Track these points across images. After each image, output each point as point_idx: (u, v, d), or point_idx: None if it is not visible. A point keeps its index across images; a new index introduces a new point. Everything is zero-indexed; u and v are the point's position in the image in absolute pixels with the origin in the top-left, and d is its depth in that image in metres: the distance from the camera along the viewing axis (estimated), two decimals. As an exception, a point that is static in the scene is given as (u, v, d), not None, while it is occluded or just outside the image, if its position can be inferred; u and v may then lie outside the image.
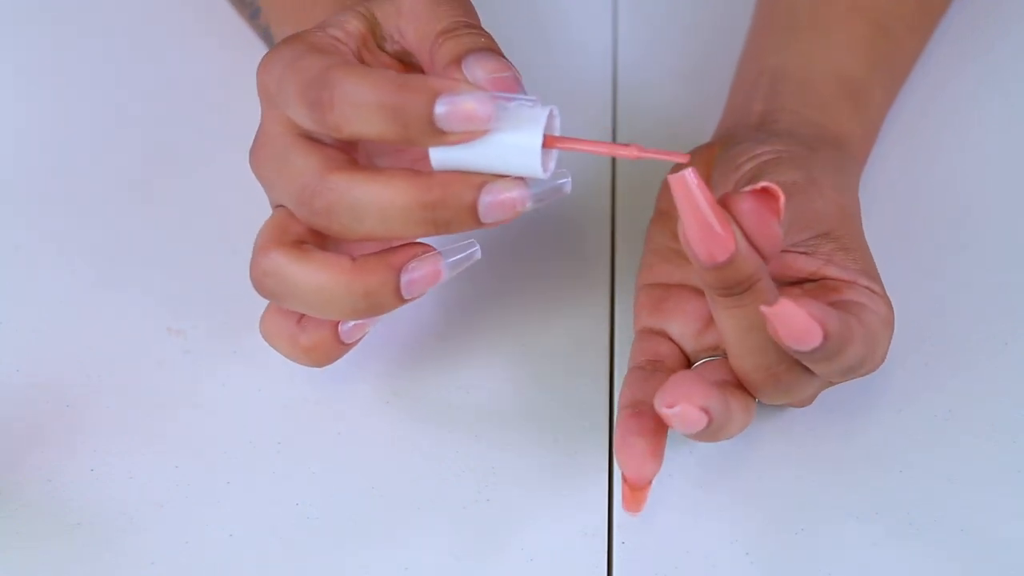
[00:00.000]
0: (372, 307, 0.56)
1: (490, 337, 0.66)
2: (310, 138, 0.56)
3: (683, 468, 0.61)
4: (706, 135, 0.69)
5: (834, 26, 0.68)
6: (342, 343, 0.59)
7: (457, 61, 0.55)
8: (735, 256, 0.53)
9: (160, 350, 0.66)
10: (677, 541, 0.59)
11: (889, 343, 0.58)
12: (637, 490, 0.56)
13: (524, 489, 0.61)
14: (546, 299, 0.67)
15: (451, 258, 0.58)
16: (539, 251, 0.69)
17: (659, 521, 0.60)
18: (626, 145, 0.54)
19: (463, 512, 0.60)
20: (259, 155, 0.58)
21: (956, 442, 0.62)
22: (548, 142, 0.54)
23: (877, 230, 0.62)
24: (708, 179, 0.63)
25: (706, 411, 0.53)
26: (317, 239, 0.57)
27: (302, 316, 0.59)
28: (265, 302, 0.59)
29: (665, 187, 0.66)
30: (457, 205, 0.54)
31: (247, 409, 0.64)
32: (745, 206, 0.53)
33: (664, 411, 0.53)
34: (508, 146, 0.54)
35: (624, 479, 0.56)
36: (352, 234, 0.56)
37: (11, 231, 0.70)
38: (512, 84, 0.54)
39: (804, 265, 0.59)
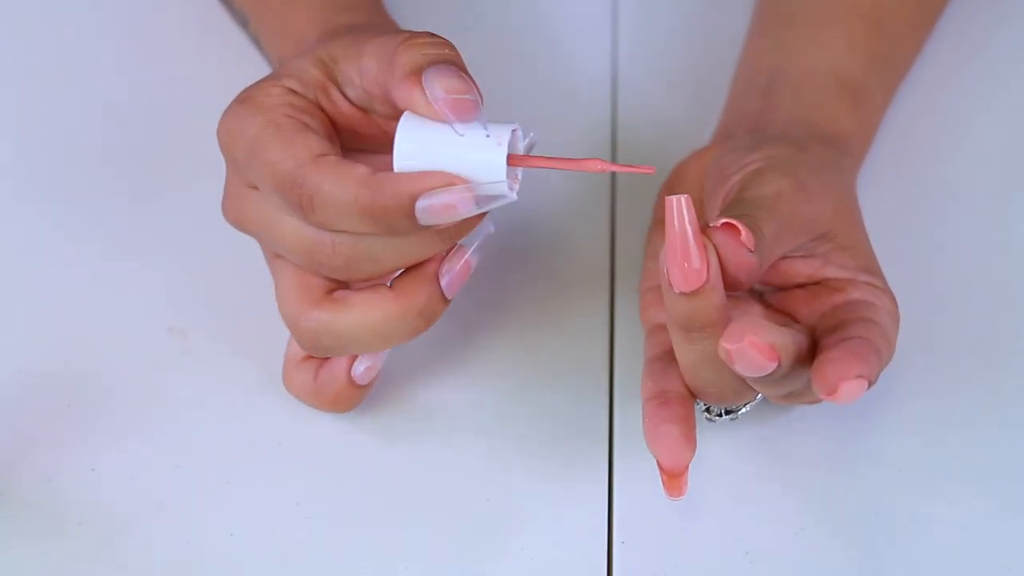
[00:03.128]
0: (428, 321, 0.58)
1: (490, 338, 0.66)
2: None
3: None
4: (705, 138, 0.69)
5: (831, 24, 0.68)
6: (360, 387, 0.61)
7: (417, 72, 0.55)
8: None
9: (160, 350, 0.66)
10: (677, 541, 0.59)
11: (897, 335, 0.58)
12: (675, 476, 0.57)
13: (524, 489, 0.61)
14: (546, 300, 0.67)
15: (473, 244, 0.59)
16: (539, 252, 0.69)
17: (659, 521, 0.60)
18: (589, 160, 0.55)
19: (463, 512, 0.60)
20: (239, 214, 0.58)
21: (956, 442, 0.62)
22: (511, 161, 0.54)
23: (877, 229, 0.62)
24: (702, 187, 0.64)
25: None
26: (340, 283, 0.58)
27: (318, 372, 0.61)
28: (263, 311, 0.60)
29: (663, 191, 0.66)
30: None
31: (247, 409, 0.64)
32: (718, 238, 0.54)
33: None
34: (472, 165, 0.54)
35: (661, 468, 0.57)
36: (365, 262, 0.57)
37: (12, 231, 0.70)
38: (471, 107, 0.54)
39: (802, 269, 0.59)
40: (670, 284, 0.54)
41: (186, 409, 0.64)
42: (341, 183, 0.54)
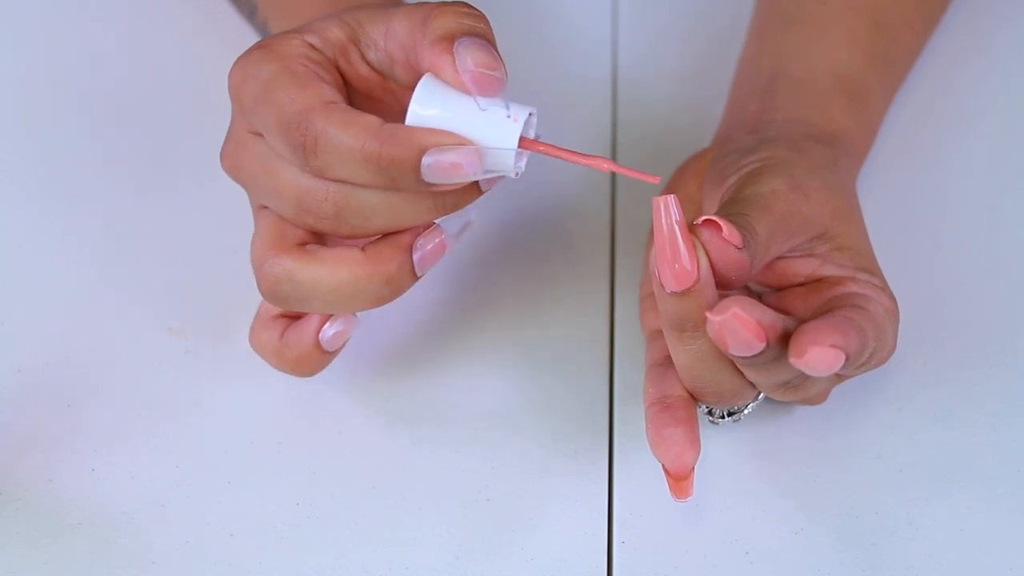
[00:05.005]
0: (393, 291, 0.58)
1: (490, 337, 0.66)
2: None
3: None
4: (705, 135, 0.69)
5: (832, 24, 0.68)
6: (325, 352, 0.60)
7: (450, 39, 0.55)
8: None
9: (160, 350, 0.66)
10: (677, 541, 0.59)
11: (896, 334, 0.58)
12: (681, 479, 0.57)
13: (524, 489, 0.61)
14: (546, 299, 0.67)
15: (451, 228, 0.59)
16: (539, 251, 0.69)
17: (659, 521, 0.60)
18: (598, 157, 0.55)
19: (463, 512, 0.60)
20: (236, 160, 0.58)
21: (956, 442, 0.62)
22: (522, 143, 0.54)
23: (877, 228, 0.62)
24: (700, 189, 0.64)
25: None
26: (316, 238, 0.58)
27: (285, 331, 0.60)
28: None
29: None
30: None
31: (247, 409, 0.64)
32: (703, 236, 0.54)
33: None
34: (484, 137, 0.54)
35: (666, 471, 0.57)
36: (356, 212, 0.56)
37: (13, 230, 0.70)
38: (497, 84, 0.54)
39: (801, 269, 0.59)
40: (661, 285, 0.54)
41: (186, 409, 0.64)
42: (349, 129, 0.54)
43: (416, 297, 0.67)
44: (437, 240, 0.58)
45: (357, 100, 0.59)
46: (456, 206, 0.57)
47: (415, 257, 0.57)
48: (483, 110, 0.54)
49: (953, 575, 0.58)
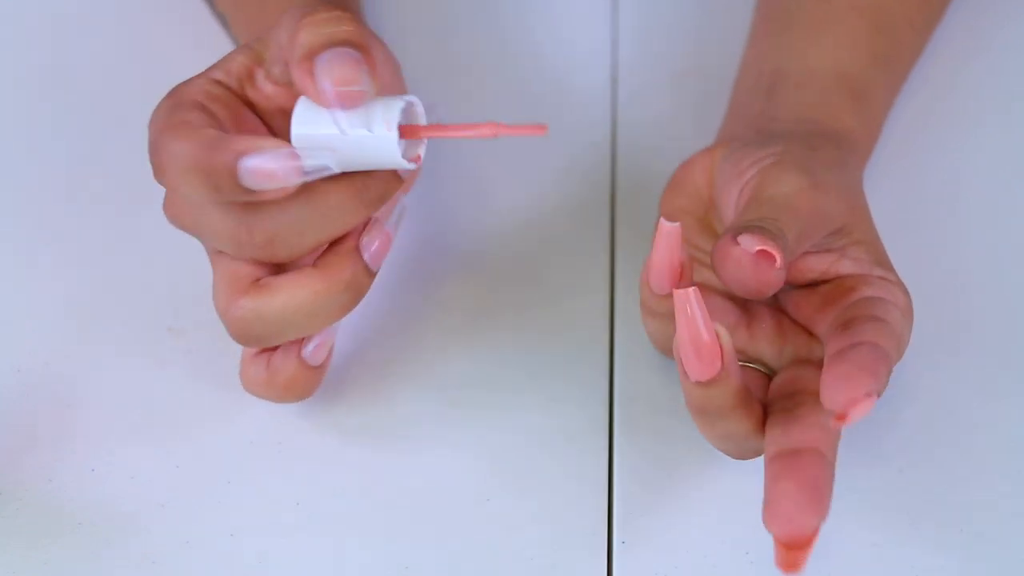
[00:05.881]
0: (355, 295, 0.58)
1: (490, 337, 0.66)
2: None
3: (682, 468, 0.61)
4: (706, 136, 0.69)
5: (833, 24, 0.68)
6: (312, 368, 0.60)
7: (310, 57, 0.54)
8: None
9: (160, 350, 0.66)
10: (677, 541, 0.59)
11: (911, 331, 0.58)
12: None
13: (524, 489, 0.61)
14: (546, 300, 0.67)
15: (389, 220, 0.59)
16: (539, 251, 0.69)
17: (659, 521, 0.60)
18: (483, 124, 0.54)
19: (463, 512, 0.60)
20: (174, 210, 0.58)
21: (956, 442, 0.62)
22: (405, 132, 0.55)
23: (879, 228, 0.62)
24: (710, 184, 0.64)
25: None
26: (273, 269, 0.58)
27: (270, 359, 0.60)
28: None
29: (668, 189, 0.65)
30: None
31: (247, 409, 0.64)
32: (746, 260, 0.55)
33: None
34: (367, 146, 0.54)
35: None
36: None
37: (12, 230, 0.70)
38: (358, 97, 0.54)
39: (816, 265, 0.59)
40: (685, 373, 0.54)
41: (186, 409, 0.64)
42: (182, 143, 0.54)
43: (415, 297, 0.67)
44: (381, 233, 0.58)
45: (274, 119, 0.59)
46: (382, 199, 0.56)
47: (365, 256, 0.58)
48: (346, 134, 0.54)
49: (953, 575, 0.58)
